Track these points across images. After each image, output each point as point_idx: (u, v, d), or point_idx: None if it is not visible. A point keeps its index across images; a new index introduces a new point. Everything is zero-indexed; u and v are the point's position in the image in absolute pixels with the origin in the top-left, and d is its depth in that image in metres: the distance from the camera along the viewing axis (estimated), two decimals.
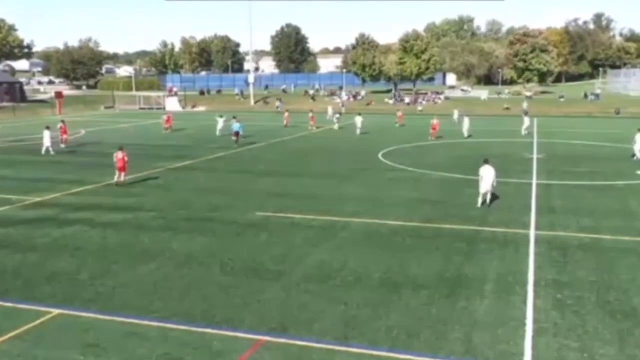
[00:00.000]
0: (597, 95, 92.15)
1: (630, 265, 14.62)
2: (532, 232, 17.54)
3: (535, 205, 21.06)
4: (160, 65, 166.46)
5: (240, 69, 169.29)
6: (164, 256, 15.46)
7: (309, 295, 12.77)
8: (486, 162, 21.15)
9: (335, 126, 51.69)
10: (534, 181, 25.82)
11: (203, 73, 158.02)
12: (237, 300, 12.47)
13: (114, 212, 20.41)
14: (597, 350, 10.21)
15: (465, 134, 43.94)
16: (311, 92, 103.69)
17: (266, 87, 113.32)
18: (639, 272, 14.09)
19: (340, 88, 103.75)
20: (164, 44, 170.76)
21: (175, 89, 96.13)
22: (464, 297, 12.57)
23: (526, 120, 47.31)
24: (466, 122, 44.52)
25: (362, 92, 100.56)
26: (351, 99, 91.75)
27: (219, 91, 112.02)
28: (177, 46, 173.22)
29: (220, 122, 46.23)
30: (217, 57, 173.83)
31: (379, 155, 34.29)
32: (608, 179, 26.26)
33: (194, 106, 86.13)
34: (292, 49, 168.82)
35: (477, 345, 10.43)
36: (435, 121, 42.96)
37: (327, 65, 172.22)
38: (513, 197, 22.41)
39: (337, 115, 55.70)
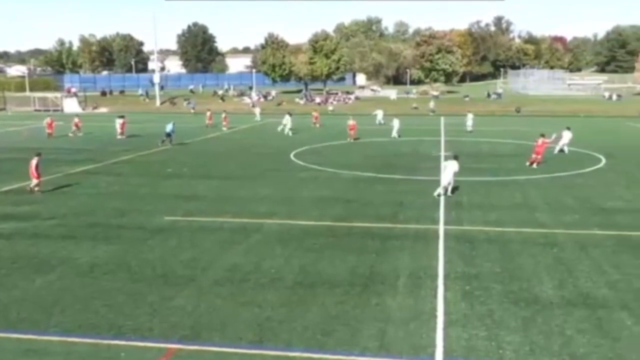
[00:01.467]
0: (499, 95, 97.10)
1: (532, 255, 15.34)
2: (441, 228, 18.04)
3: (444, 201, 21.69)
4: (57, 64, 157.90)
5: (144, 69, 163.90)
6: (65, 266, 14.55)
7: (221, 299, 12.43)
8: (455, 158, 22.81)
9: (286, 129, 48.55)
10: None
11: (105, 73, 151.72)
12: (145, 308, 11.93)
13: (6, 221, 18.98)
14: (503, 338, 10.59)
15: (395, 135, 43.90)
16: (220, 92, 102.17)
17: (162, 87, 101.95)
18: (541, 261, 14.80)
19: (250, 88, 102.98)
20: (61, 42, 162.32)
21: (74, 90, 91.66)
22: (377, 294, 12.69)
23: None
24: (396, 123, 44.42)
25: (273, 93, 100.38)
26: (262, 99, 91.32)
27: (122, 92, 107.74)
28: (76, 44, 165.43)
29: (118, 124, 44.42)
30: (119, 56, 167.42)
31: (292, 156, 34.22)
32: (510, 174, 27.58)
33: (95, 108, 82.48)
34: (199, 49, 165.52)
35: (390, 341, 10.54)
36: (351, 122, 42.53)
37: (237, 65, 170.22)
38: (422, 194, 22.99)
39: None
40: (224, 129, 50.43)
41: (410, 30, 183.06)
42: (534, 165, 29.21)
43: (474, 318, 11.47)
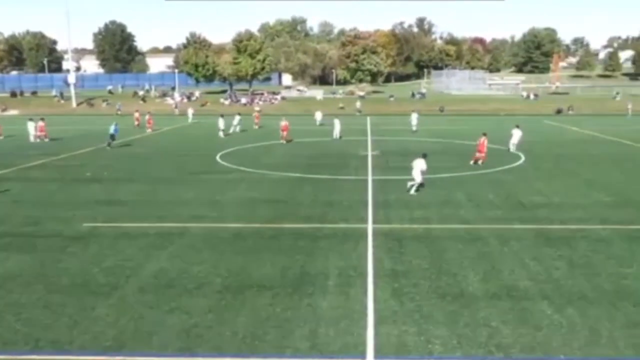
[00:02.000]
0: (423, 95, 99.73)
1: (458, 250, 15.70)
2: (369, 226, 18.17)
3: (372, 200, 21.91)
4: None
5: (59, 69, 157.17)
6: None
7: (146, 307, 11.94)
8: (424, 156, 23.61)
9: (236, 129, 48.02)
10: (370, 177, 26.94)
11: (14, 73, 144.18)
12: (65, 319, 11.29)
13: None
14: (432, 333, 10.75)
15: (337, 135, 43.22)
16: (141, 93, 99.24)
17: (61, 94, 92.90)
18: (466, 256, 15.16)
19: (173, 89, 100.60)
20: None
21: None
22: (308, 295, 12.60)
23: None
24: (337, 124, 43.67)
25: (197, 93, 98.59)
26: (185, 100, 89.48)
27: (34, 93, 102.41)
28: None
29: (31, 127, 42.25)
30: (30, 55, 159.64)
31: (217, 158, 33.64)
32: (436, 172, 28.12)
33: (4, 110, 78.11)
34: (117, 48, 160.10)
35: (322, 341, 10.46)
36: (284, 122, 41.59)
37: (158, 65, 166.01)
38: (351, 194, 23.14)
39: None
40: (148, 130, 49.01)
41: (336, 31, 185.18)
42: (479, 163, 30.05)
43: (404, 314, 11.58)
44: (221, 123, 44.91)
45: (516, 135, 35.47)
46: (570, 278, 13.60)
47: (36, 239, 17.03)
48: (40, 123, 42.45)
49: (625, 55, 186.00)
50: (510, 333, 10.73)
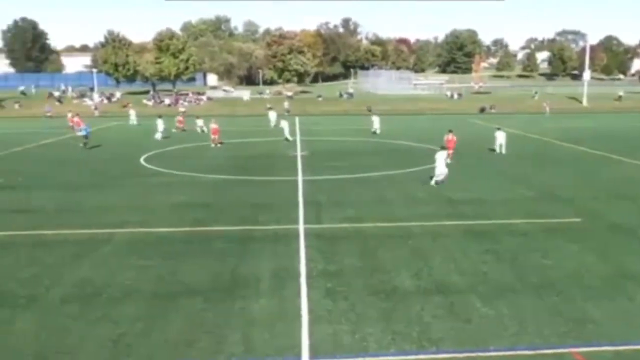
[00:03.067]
0: (350, 95, 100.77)
1: (390, 248, 15.86)
2: (301, 227, 18.07)
3: (303, 200, 21.81)
4: None
5: None
6: None
7: (70, 319, 11.33)
8: (442, 148, 24.35)
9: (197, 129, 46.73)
10: (300, 178, 26.84)
11: None
12: None
13: None
14: (366, 330, 10.79)
15: (288, 137, 41.83)
16: (57, 94, 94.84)
17: None
18: (398, 254, 15.34)
19: (92, 89, 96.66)
20: None
21: None
22: (241, 298, 12.37)
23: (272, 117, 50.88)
24: (285, 124, 42.61)
25: (118, 94, 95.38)
26: (105, 101, 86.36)
27: None
28: None
29: None
30: None
31: (141, 160, 32.59)
32: (365, 171, 28.48)
33: None
34: (29, 46, 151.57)
35: (256, 344, 10.30)
36: (214, 125, 39.99)
37: (74, 64, 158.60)
38: (281, 195, 22.97)
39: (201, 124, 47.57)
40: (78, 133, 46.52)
41: (261, 30, 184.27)
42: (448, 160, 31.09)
43: (338, 314, 11.57)
44: (160, 125, 43.40)
45: (500, 136, 34.96)
46: (498, 271, 14.04)
47: None
48: None
49: (541, 56, 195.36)
50: (441, 327, 10.93)
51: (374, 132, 46.63)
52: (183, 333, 10.72)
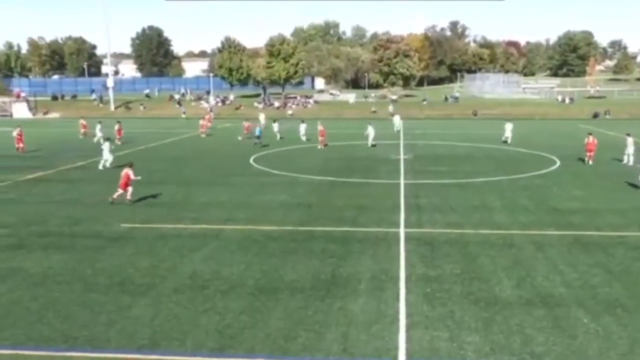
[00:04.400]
0: (456, 98, 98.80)
1: (490, 256, 15.54)
2: (402, 231, 18.12)
3: (404, 204, 21.82)
4: (5, 68, 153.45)
5: (97, 73, 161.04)
6: (16, 277, 13.99)
7: (180, 307, 12.15)
8: None
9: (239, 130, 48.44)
10: (402, 181, 26.83)
11: (55, 77, 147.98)
12: (102, 318, 11.56)
13: None
14: (464, 339, 10.66)
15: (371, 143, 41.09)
16: (177, 97, 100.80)
17: (100, 97, 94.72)
18: (499, 262, 15.00)
19: (208, 92, 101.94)
20: (9, 46, 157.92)
21: (23, 94, 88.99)
22: (340, 298, 12.63)
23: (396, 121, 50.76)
24: (371, 130, 41.75)
25: (231, 97, 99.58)
26: (220, 104, 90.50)
27: (74, 96, 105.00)
28: (24, 48, 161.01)
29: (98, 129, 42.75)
30: (70, 59, 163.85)
31: (251, 160, 33.94)
32: (468, 176, 27.95)
33: (46, 113, 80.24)
34: (154, 52, 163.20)
35: (353, 344, 10.48)
36: (321, 127, 40.38)
37: (193, 69, 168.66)
38: (383, 198, 23.09)
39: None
40: (202, 135, 48.85)
41: (368, 35, 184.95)
42: (590, 162, 31.50)
43: (436, 319, 11.52)
44: (302, 128, 44.64)
45: (630, 144, 31.92)
46: (607, 285, 13.33)
47: (75, 238, 17.46)
48: (117, 126, 43.92)
49: None
50: (544, 341, 10.57)
51: (505, 141, 42.52)
52: (283, 328, 11.13)
